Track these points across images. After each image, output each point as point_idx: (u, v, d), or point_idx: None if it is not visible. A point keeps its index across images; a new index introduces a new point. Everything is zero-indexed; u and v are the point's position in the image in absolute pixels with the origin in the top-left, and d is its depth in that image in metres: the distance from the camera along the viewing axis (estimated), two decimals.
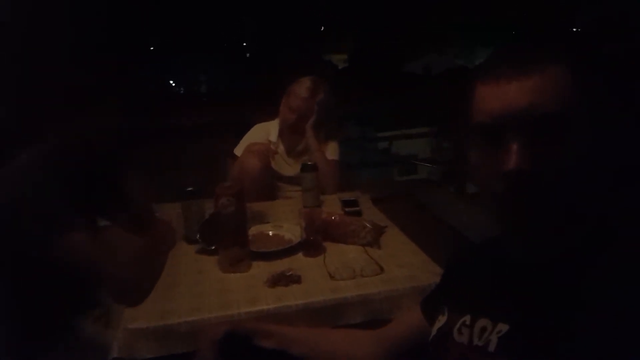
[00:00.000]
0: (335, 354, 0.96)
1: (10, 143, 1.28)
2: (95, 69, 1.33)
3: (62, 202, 1.19)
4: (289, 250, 1.44)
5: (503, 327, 0.65)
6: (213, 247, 1.44)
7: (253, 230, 1.57)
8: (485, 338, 0.67)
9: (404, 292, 1.22)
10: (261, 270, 1.34)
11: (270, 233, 1.57)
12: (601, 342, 0.53)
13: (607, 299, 0.55)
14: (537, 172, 0.58)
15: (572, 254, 0.62)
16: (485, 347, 0.66)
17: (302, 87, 2.04)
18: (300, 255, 1.43)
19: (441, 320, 0.78)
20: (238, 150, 2.11)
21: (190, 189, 1.57)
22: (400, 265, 1.34)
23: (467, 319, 0.72)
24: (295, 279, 1.27)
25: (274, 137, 2.14)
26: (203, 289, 1.26)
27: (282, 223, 1.64)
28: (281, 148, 2.15)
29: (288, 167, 2.13)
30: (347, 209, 1.72)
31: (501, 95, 0.61)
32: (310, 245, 1.42)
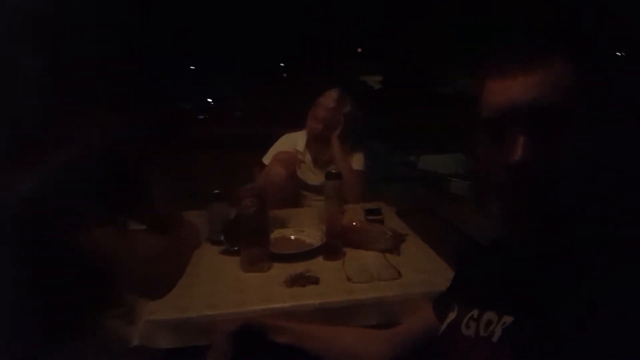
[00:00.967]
0: (347, 351, 0.97)
1: (44, 143, 1.36)
2: (132, 79, 1.42)
3: (92, 200, 1.25)
4: (309, 253, 1.46)
5: (508, 319, 0.65)
6: (236, 248, 1.47)
7: (275, 234, 1.60)
8: (490, 330, 0.67)
9: (420, 297, 1.22)
10: (281, 271, 1.36)
11: (292, 237, 1.60)
12: (601, 335, 0.53)
13: (608, 293, 0.55)
14: (539, 166, 0.59)
15: (573, 249, 0.62)
16: (489, 338, 0.66)
17: (329, 99, 2.09)
18: (319, 258, 1.45)
19: (451, 316, 0.79)
20: (266, 159, 2.17)
21: (216, 191, 1.62)
22: (418, 271, 1.34)
23: (475, 312, 0.73)
24: (313, 280, 1.28)
25: (301, 146, 2.19)
26: (222, 287, 1.30)
27: (304, 228, 1.66)
28: (308, 158, 2.19)
29: (314, 177, 2.17)
30: (369, 217, 1.72)
31: (506, 91, 0.62)
32: (330, 249, 1.44)
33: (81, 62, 1.38)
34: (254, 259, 1.38)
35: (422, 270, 1.34)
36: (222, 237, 1.51)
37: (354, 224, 1.53)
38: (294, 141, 2.22)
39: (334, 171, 1.84)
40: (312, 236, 1.55)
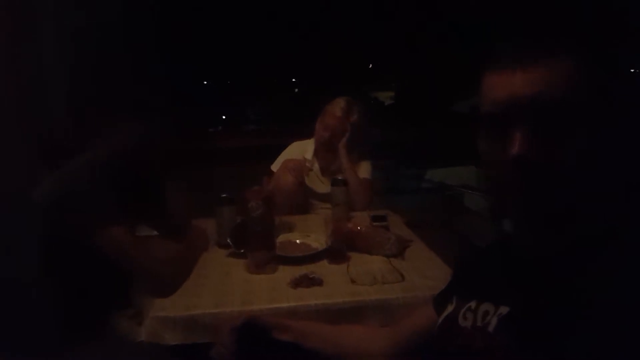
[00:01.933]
0: (349, 348, 0.98)
1: (68, 147, 1.41)
2: (154, 90, 1.48)
3: (109, 202, 1.30)
4: (314, 257, 1.47)
5: (504, 310, 0.66)
6: (242, 251, 1.50)
7: (282, 237, 1.62)
8: (487, 320, 0.68)
9: (423, 300, 1.22)
10: (286, 274, 1.38)
11: (298, 241, 1.62)
12: (597, 327, 0.53)
13: (606, 290, 0.55)
14: (540, 162, 0.59)
15: (572, 245, 0.62)
16: (485, 328, 0.67)
17: (337, 107, 2.12)
18: (324, 262, 1.47)
19: (449, 309, 0.80)
20: (275, 167, 2.20)
21: (223, 195, 1.65)
22: (422, 276, 1.34)
23: (473, 304, 0.73)
24: (317, 282, 1.30)
25: (309, 155, 2.21)
26: (228, 288, 1.32)
27: (310, 233, 1.68)
28: (316, 166, 2.21)
29: (321, 185, 2.19)
30: (374, 223, 1.74)
31: (507, 85, 0.62)
32: (335, 253, 1.45)
33: (108, 73, 1.45)
34: (260, 262, 1.41)
35: (426, 276, 1.35)
36: (229, 240, 1.54)
37: (359, 228, 1.55)
38: (302, 149, 2.25)
39: (339, 177, 1.88)
40: (318, 240, 1.57)
